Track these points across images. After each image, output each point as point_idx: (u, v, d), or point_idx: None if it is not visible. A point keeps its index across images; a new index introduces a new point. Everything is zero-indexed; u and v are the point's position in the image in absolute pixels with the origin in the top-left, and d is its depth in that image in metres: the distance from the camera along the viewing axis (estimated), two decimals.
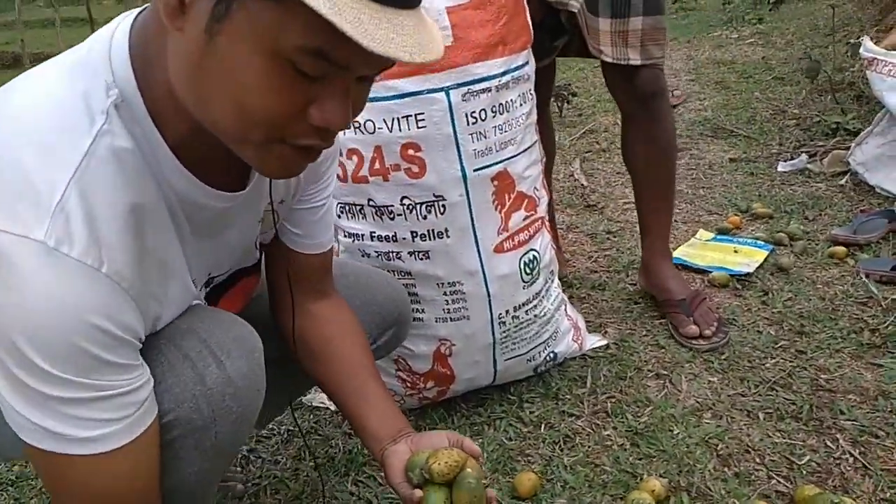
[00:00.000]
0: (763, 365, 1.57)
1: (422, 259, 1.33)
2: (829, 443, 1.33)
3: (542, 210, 1.44)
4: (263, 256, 1.04)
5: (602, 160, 3.08)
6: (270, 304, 1.09)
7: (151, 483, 0.76)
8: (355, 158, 1.28)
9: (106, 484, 0.72)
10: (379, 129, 1.25)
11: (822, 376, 1.52)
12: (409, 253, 1.33)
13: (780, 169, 2.70)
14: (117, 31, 0.70)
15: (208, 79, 0.63)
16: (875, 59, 2.49)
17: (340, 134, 1.14)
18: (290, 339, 1.05)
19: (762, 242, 2.10)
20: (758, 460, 1.30)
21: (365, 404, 1.03)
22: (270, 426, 1.53)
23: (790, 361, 1.58)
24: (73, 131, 0.66)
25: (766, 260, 2.01)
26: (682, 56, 4.67)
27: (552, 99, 3.62)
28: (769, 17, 5.74)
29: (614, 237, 2.31)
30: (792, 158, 2.75)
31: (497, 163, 1.31)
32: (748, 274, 1.93)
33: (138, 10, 0.73)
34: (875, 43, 3.21)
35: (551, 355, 1.52)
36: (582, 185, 2.79)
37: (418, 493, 0.91)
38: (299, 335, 1.05)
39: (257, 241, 0.97)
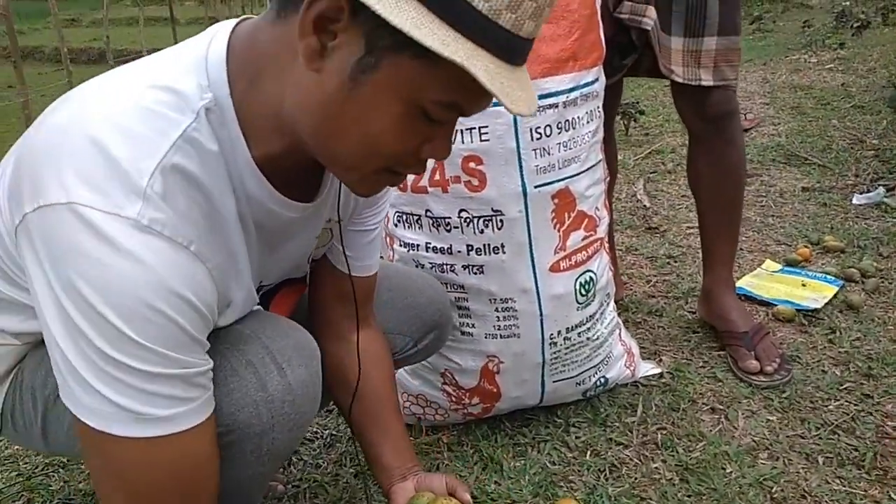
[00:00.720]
0: (826, 407, 1.50)
1: (476, 273, 1.31)
2: (893, 494, 1.25)
3: (601, 231, 1.40)
4: (310, 280, 1.08)
5: (667, 182, 3.01)
6: (313, 329, 1.09)
7: (213, 469, 0.77)
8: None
9: (173, 468, 0.72)
10: None
11: (889, 423, 1.44)
12: (463, 266, 1.31)
13: (854, 201, 2.59)
14: (216, 38, 0.74)
15: (342, 118, 0.68)
16: None
17: None
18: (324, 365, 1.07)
19: (832, 278, 2.01)
20: None
21: (383, 439, 1.09)
22: (314, 429, 1.54)
23: (855, 405, 1.50)
24: (163, 123, 0.69)
25: (835, 296, 1.92)
26: (758, 79, 4.54)
27: (618, 117, 3.58)
28: (851, 42, 5.53)
29: (675, 262, 2.25)
30: (868, 191, 2.63)
31: (559, 180, 1.28)
32: (816, 310, 1.85)
33: (236, 20, 0.77)
34: None
35: (602, 380, 1.48)
36: (644, 206, 2.73)
37: None
38: (333, 361, 1.08)
39: (310, 257, 1.00)
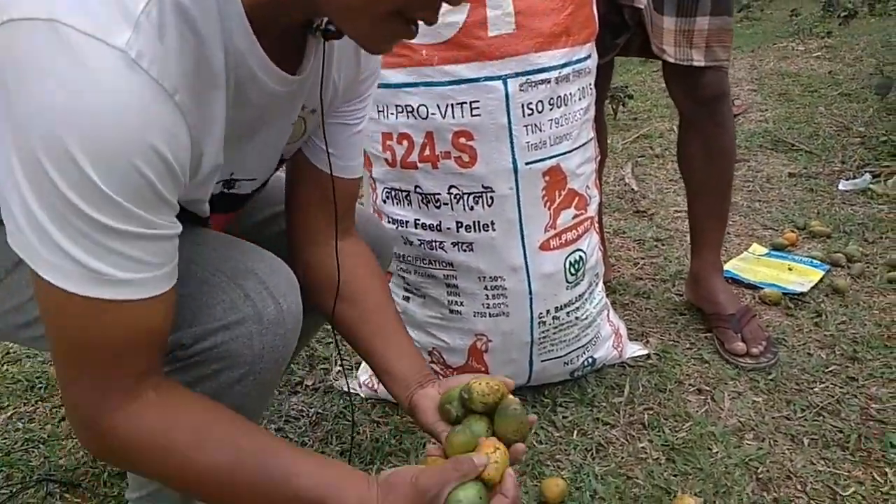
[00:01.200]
0: (811, 389, 1.50)
1: (465, 251, 1.30)
2: (876, 476, 1.26)
3: (592, 210, 1.39)
4: (286, 187, 1.02)
5: (655, 166, 3.01)
6: (289, 237, 1.05)
7: (162, 345, 0.73)
8: (405, 143, 1.26)
9: (126, 335, 0.67)
10: (432, 114, 1.22)
11: (874, 405, 1.44)
12: (452, 243, 1.30)
13: (841, 187, 2.59)
14: None
15: None
16: None
17: (392, 116, 1.10)
18: (310, 273, 1.02)
19: (818, 262, 2.02)
20: (799, 487, 1.25)
21: (390, 347, 0.99)
22: (300, 408, 1.52)
23: (840, 388, 1.50)
24: None
25: (821, 280, 1.92)
26: (746, 65, 4.54)
27: (607, 101, 3.56)
28: (838, 31, 5.54)
29: (662, 245, 2.24)
30: (854, 177, 2.64)
31: (550, 157, 1.27)
32: (802, 294, 1.86)
33: None
34: None
35: (590, 360, 1.48)
36: (632, 189, 2.73)
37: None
38: (319, 271, 1.02)
39: (282, 154, 0.94)
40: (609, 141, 3.30)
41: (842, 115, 3.36)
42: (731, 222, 2.34)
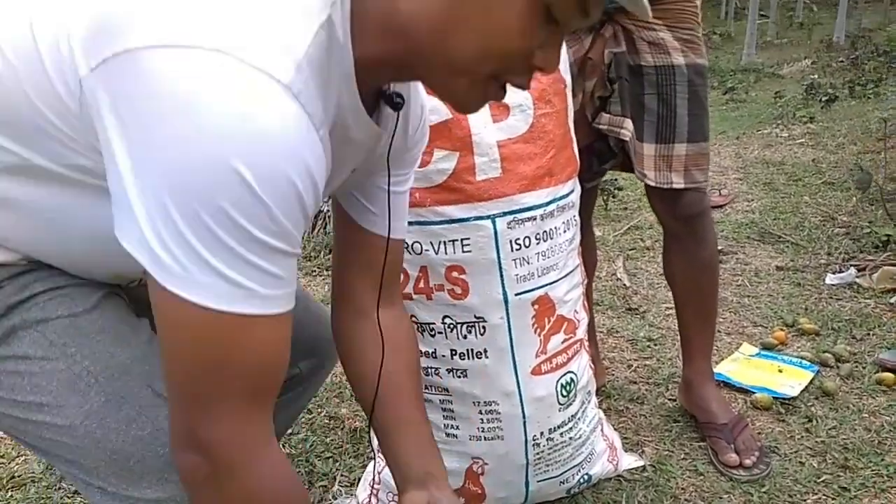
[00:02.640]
0: (804, 501, 1.52)
1: (459, 377, 1.35)
2: None
3: (581, 332, 1.45)
4: (334, 253, 1.03)
5: (646, 259, 3.08)
6: (333, 304, 1.04)
7: (284, 367, 0.72)
8: (402, 276, 1.32)
9: (271, 351, 0.68)
10: (426, 250, 1.29)
11: None
12: (447, 370, 1.35)
13: (828, 281, 2.66)
14: None
15: (465, 13, 0.65)
16: None
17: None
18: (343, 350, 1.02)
19: (807, 363, 2.06)
20: None
21: (399, 433, 0.98)
22: None
23: (833, 499, 1.53)
24: (311, 4, 0.65)
25: (811, 382, 1.96)
26: (731, 153, 4.69)
27: (598, 193, 3.68)
28: (820, 115, 5.74)
29: (655, 345, 2.29)
30: (841, 271, 2.72)
31: (538, 287, 1.33)
32: (792, 398, 1.89)
33: None
34: None
35: (585, 477, 1.51)
36: (624, 285, 2.79)
37: None
38: (353, 344, 1.01)
39: None
40: (600, 233, 3.40)
41: (826, 205, 3.47)
42: (721, 319, 2.41)
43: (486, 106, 0.92)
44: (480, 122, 1.25)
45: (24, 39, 0.67)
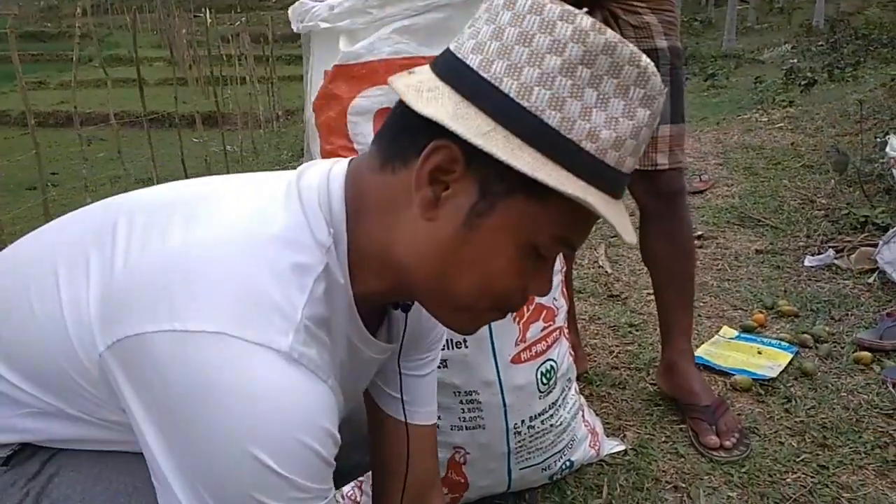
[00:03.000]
0: (784, 480, 1.55)
1: (440, 367, 1.34)
2: None
3: (560, 319, 1.46)
4: (371, 444, 1.06)
5: (627, 246, 3.10)
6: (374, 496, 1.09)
7: None
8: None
9: None
10: None
11: (845, 495, 1.49)
12: None
13: (806, 263, 2.69)
14: (332, 174, 0.75)
15: (459, 262, 0.71)
16: None
17: None
18: None
19: (786, 344, 2.09)
20: None
21: None
22: None
23: (812, 477, 1.55)
24: (303, 257, 0.69)
25: (790, 363, 1.99)
26: (711, 139, 4.71)
27: None
28: (799, 99, 5.79)
29: (636, 330, 2.31)
30: (819, 253, 2.74)
31: None
32: (772, 379, 1.91)
33: (344, 160, 0.78)
34: None
35: (567, 463, 1.52)
36: (606, 272, 2.81)
37: None
38: None
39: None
40: None
41: (805, 188, 3.50)
42: (701, 303, 2.43)
43: None
44: None
45: (49, 292, 0.71)
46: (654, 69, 0.68)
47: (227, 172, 6.50)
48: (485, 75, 0.67)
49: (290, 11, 1.18)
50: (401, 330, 0.89)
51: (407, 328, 0.89)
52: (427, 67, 0.72)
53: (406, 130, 0.71)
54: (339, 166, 0.76)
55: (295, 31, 1.17)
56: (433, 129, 0.66)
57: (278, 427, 0.63)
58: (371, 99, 1.19)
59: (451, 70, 0.69)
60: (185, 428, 0.63)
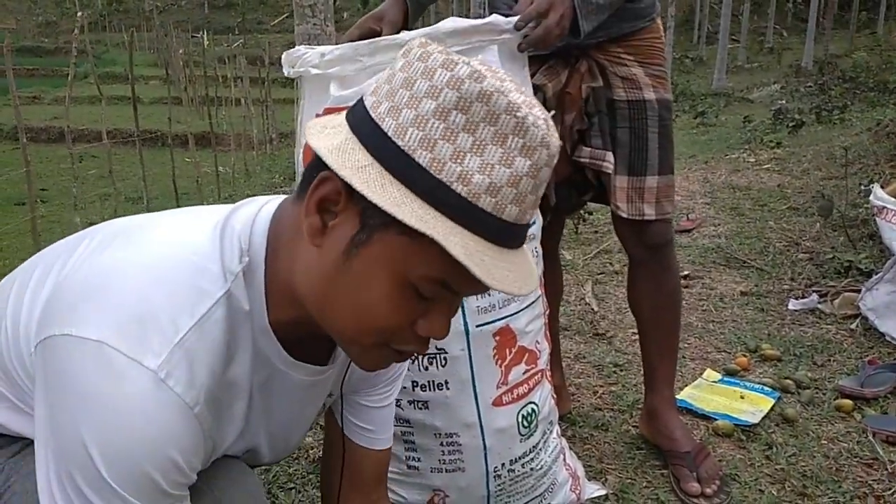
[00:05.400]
0: None
1: (420, 409, 1.35)
2: None
3: (542, 362, 1.46)
4: (323, 460, 1.11)
5: (614, 283, 3.11)
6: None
7: None
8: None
9: None
10: None
11: None
12: (408, 402, 1.35)
13: (790, 307, 2.71)
14: (266, 206, 0.82)
15: (337, 290, 0.73)
16: (885, 207, 2.55)
17: None
18: None
19: (769, 389, 2.09)
20: None
21: None
22: None
23: None
24: (205, 283, 0.74)
25: (772, 409, 1.99)
26: (699, 178, 4.76)
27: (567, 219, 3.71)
28: (787, 140, 5.87)
29: (621, 370, 2.31)
30: (803, 296, 2.76)
31: (499, 319, 1.34)
32: (753, 424, 1.92)
33: (286, 197, 0.84)
34: (887, 181, 3.28)
35: None
36: (593, 310, 2.82)
37: None
38: None
39: (307, 429, 1.02)
40: (570, 257, 3.43)
41: (791, 230, 3.53)
42: (686, 345, 2.43)
43: None
44: None
45: (15, 306, 0.82)
46: (540, 122, 0.70)
47: (219, 193, 6.52)
48: (372, 115, 0.71)
49: (283, 57, 1.20)
50: (342, 359, 0.92)
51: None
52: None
53: (312, 165, 0.75)
54: (274, 202, 0.82)
55: (287, 75, 1.19)
56: (324, 162, 0.71)
57: (125, 446, 0.68)
58: None
59: (354, 109, 0.74)
60: (57, 419, 0.69)
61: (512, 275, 0.71)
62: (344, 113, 0.76)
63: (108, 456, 0.67)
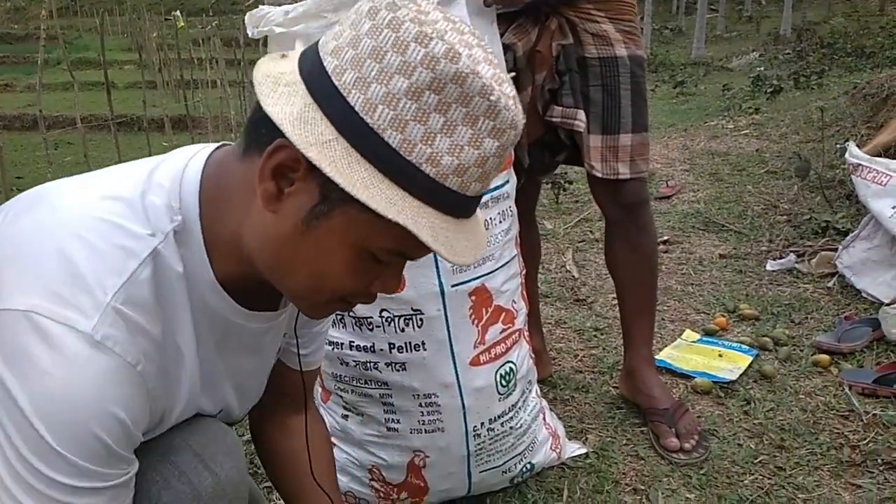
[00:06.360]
0: (741, 482, 1.56)
1: (398, 370, 1.35)
2: None
3: (520, 322, 1.46)
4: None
5: (595, 250, 3.11)
6: (250, 416, 1.11)
7: None
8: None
9: None
10: None
11: (800, 496, 1.51)
12: (386, 364, 1.35)
13: (768, 267, 2.73)
14: (192, 161, 0.78)
15: (295, 257, 0.73)
16: (860, 164, 2.56)
17: None
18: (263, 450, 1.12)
19: (747, 347, 2.11)
20: None
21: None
22: None
23: (769, 478, 1.57)
24: (133, 242, 0.72)
25: (750, 366, 2.01)
26: (679, 145, 4.77)
27: (549, 187, 3.71)
28: (766, 106, 5.88)
29: (601, 334, 2.32)
30: (781, 257, 2.79)
31: (475, 279, 1.34)
32: (731, 381, 1.94)
33: (214, 146, 0.81)
34: (863, 142, 3.30)
35: (528, 466, 1.52)
36: (573, 276, 2.82)
37: None
38: (272, 445, 1.10)
39: (268, 374, 1.01)
40: (551, 226, 3.43)
41: (769, 194, 3.55)
42: (665, 307, 2.45)
43: None
44: None
45: None
46: (510, 103, 0.69)
47: None
48: (336, 83, 0.68)
49: (246, 17, 1.17)
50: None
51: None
52: (298, 56, 0.73)
53: (263, 121, 0.70)
54: (204, 153, 0.79)
55: (251, 35, 1.17)
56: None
57: (65, 409, 0.66)
58: None
59: (311, 69, 0.70)
60: (6, 391, 0.67)
61: (469, 245, 0.73)
62: (295, 65, 0.72)
63: (53, 424, 0.66)
